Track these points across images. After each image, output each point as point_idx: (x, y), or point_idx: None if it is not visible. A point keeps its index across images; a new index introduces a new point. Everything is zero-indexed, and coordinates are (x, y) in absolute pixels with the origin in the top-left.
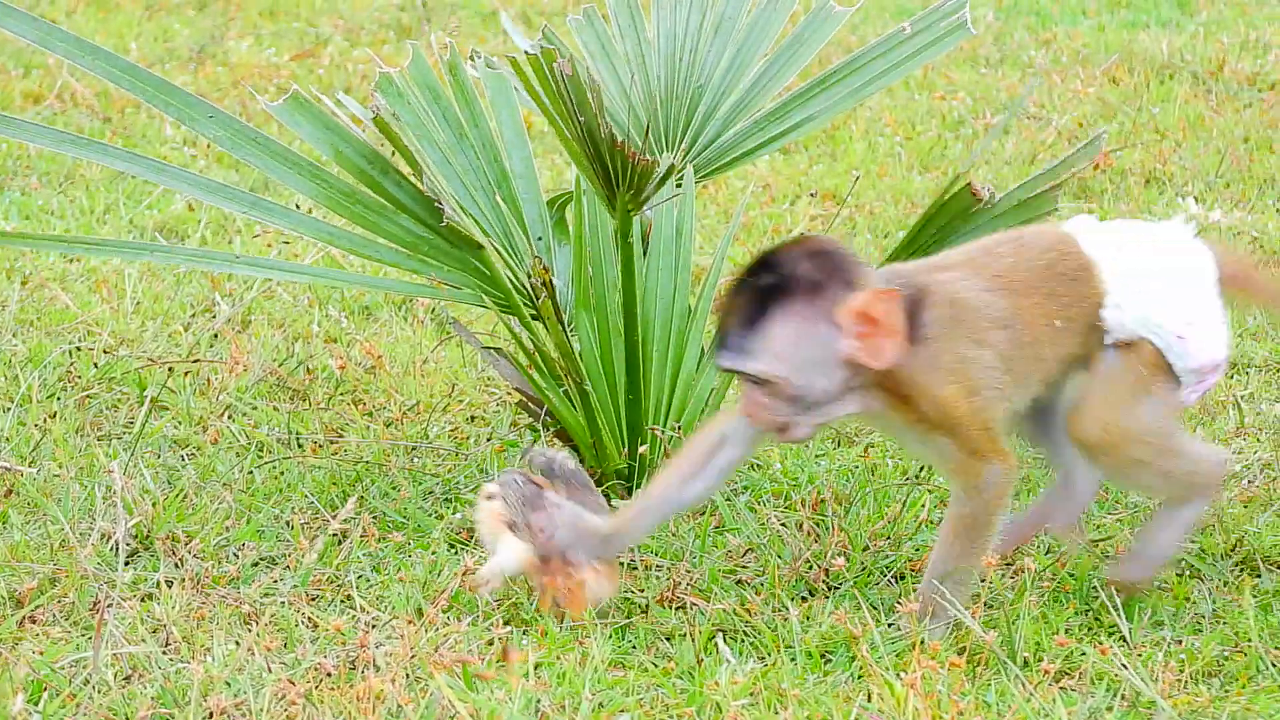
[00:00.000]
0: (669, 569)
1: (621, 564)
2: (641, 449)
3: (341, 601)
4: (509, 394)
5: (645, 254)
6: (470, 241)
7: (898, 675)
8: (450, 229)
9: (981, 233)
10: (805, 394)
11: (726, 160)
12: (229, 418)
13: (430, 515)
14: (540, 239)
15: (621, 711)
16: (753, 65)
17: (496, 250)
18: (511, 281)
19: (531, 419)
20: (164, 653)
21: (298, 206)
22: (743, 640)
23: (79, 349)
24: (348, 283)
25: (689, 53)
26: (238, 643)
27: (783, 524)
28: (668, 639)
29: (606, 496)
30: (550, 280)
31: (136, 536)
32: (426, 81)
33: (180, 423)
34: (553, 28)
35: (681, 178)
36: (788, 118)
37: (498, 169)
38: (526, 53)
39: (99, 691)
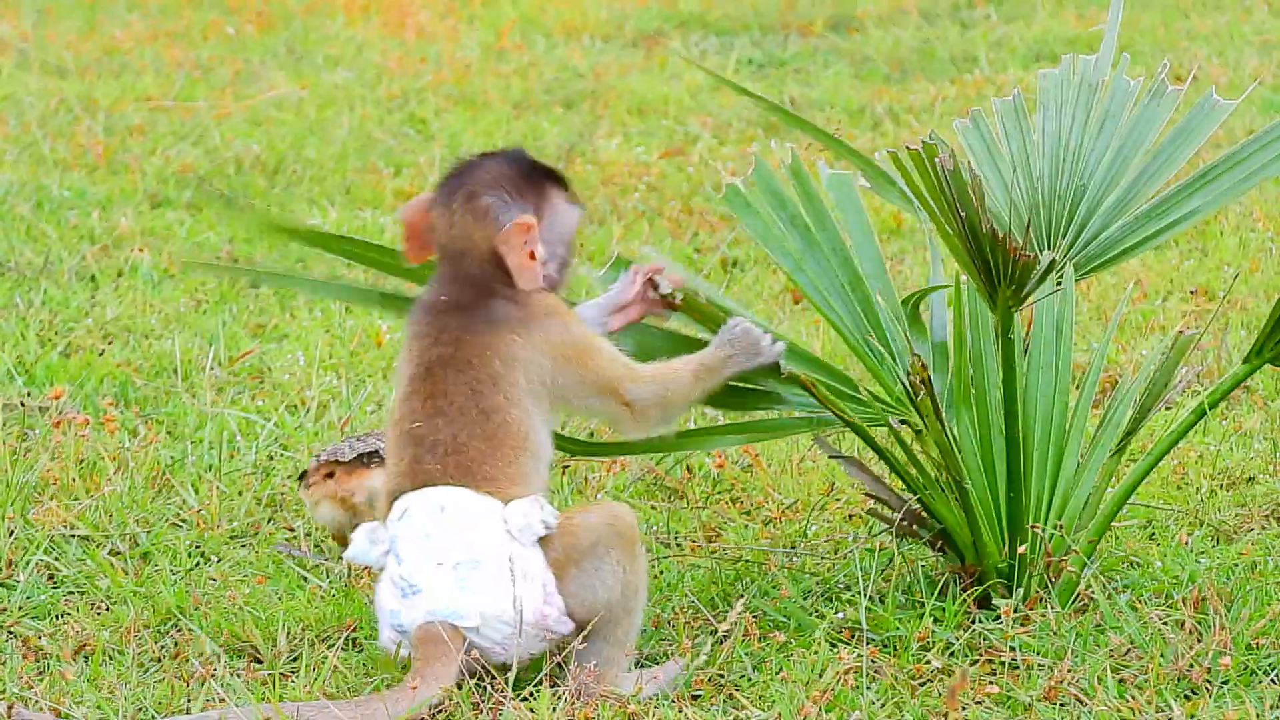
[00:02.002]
0: (1050, 667)
1: (1002, 664)
2: (1021, 548)
3: (725, 701)
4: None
5: (1025, 351)
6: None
7: None
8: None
9: None
10: None
11: (1108, 257)
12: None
13: (811, 614)
14: (909, 338)
15: None
16: (1134, 161)
17: (858, 354)
18: (879, 385)
19: (886, 525)
20: None
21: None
22: None
23: None
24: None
25: (1072, 152)
26: None
27: (1164, 622)
28: None
29: (988, 596)
30: (929, 378)
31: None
32: (771, 188)
33: None
34: (936, 132)
35: (1062, 274)
36: (1169, 213)
37: (850, 271)
38: (908, 147)
39: None
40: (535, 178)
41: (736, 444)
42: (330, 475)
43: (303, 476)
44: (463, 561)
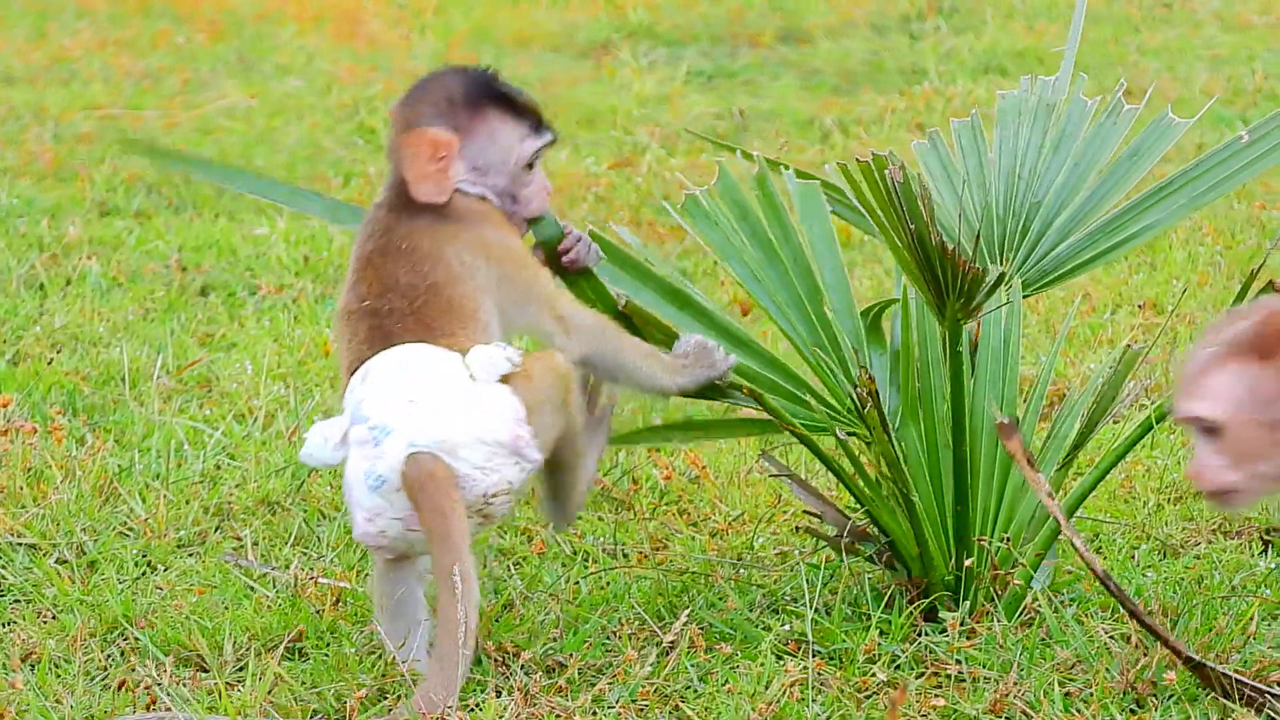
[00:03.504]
0: (997, 680)
1: (948, 676)
2: (968, 561)
3: (670, 713)
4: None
5: (973, 365)
6: (778, 364)
7: None
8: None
9: None
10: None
11: (1060, 272)
12: (554, 528)
13: (757, 626)
14: (857, 350)
15: None
16: (1089, 178)
17: (812, 365)
18: (830, 395)
19: (826, 541)
20: None
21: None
22: None
23: None
24: None
25: (1028, 170)
26: None
27: (1110, 636)
28: None
29: (933, 609)
30: (875, 390)
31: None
32: (735, 199)
33: (506, 532)
34: (890, 148)
35: (1010, 288)
36: (1123, 229)
37: (809, 282)
38: (857, 160)
39: None
40: (475, 96)
41: (684, 440)
42: None
43: None
44: (431, 398)
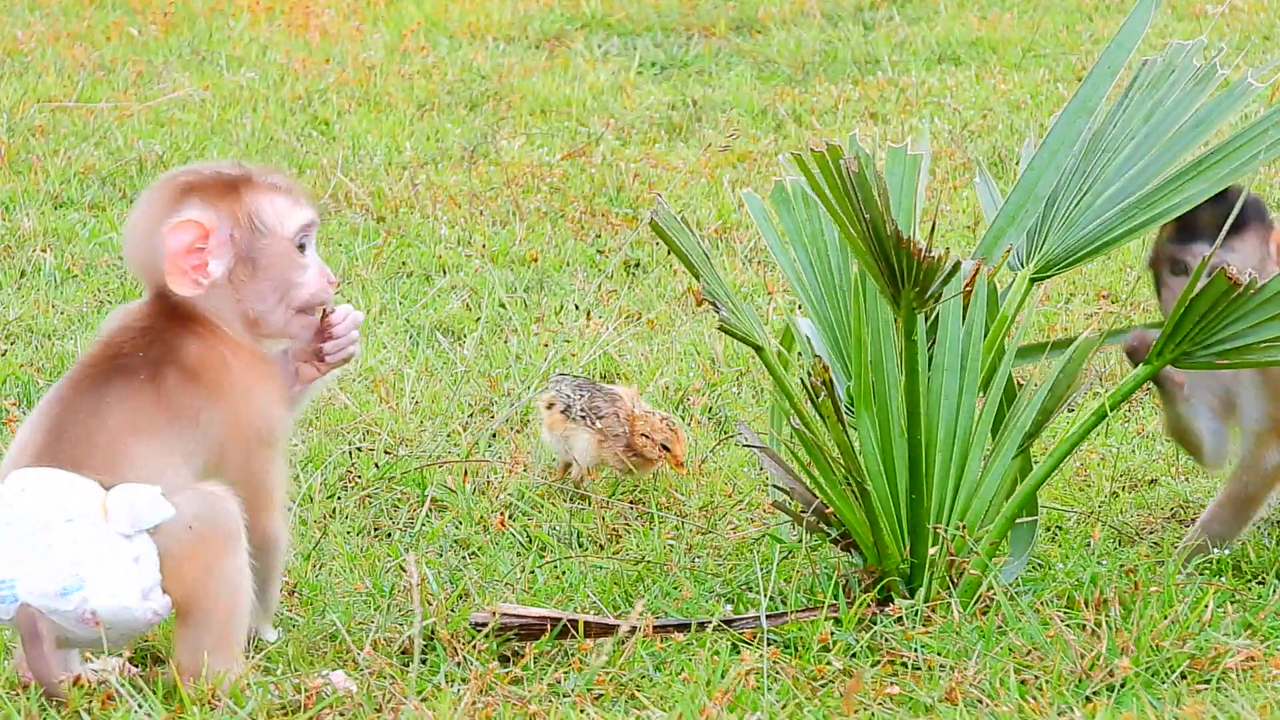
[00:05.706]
0: (952, 668)
1: (904, 664)
2: (933, 550)
3: (626, 701)
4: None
5: (931, 352)
6: (747, 341)
7: None
8: (725, 329)
9: (1250, 320)
10: None
11: (1075, 258)
12: (510, 517)
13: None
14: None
15: None
16: (1151, 151)
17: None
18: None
19: (793, 520)
20: None
21: (576, 306)
22: None
23: (359, 449)
24: None
25: (1109, 140)
26: None
27: (1066, 624)
28: None
29: (888, 598)
30: (830, 379)
31: (421, 634)
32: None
33: (461, 522)
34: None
35: (962, 273)
36: (1159, 204)
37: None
38: (812, 150)
39: None
40: None
41: None
42: (551, 406)
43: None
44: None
